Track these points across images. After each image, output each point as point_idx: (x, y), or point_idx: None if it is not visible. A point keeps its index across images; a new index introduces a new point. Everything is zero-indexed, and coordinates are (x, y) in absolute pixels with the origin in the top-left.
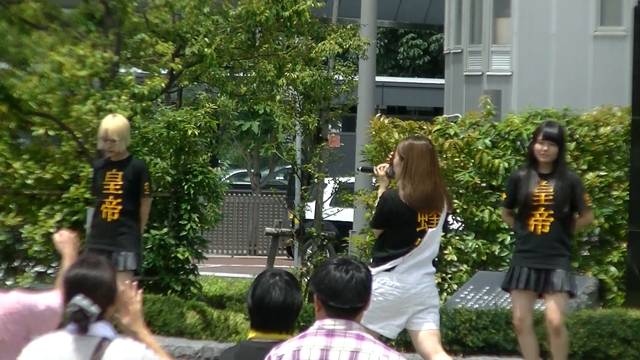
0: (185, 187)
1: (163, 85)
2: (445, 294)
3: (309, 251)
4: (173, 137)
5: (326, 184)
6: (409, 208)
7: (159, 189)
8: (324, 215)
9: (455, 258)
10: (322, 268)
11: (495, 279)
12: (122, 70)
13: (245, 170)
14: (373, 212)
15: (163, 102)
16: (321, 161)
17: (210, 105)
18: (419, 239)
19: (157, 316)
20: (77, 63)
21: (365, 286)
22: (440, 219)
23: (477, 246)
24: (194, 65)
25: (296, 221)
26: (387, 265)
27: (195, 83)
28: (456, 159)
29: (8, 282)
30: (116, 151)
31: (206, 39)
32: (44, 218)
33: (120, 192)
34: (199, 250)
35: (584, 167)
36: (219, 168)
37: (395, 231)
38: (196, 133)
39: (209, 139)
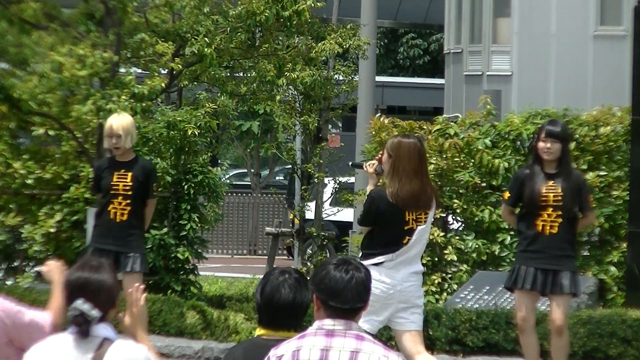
0: (185, 187)
1: (163, 85)
2: (445, 294)
3: (309, 251)
4: (173, 137)
5: (326, 184)
6: (396, 206)
7: (159, 189)
8: (324, 215)
9: (455, 258)
10: (322, 268)
11: (495, 279)
12: (122, 70)
13: (245, 170)
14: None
15: (163, 102)
16: (321, 161)
17: (210, 105)
18: (407, 238)
19: (157, 316)
20: (77, 63)
21: (365, 286)
22: (429, 217)
23: (477, 246)
24: (194, 65)
25: (296, 221)
26: (376, 260)
27: (195, 83)
28: (456, 159)
29: (8, 282)
30: (122, 148)
31: (206, 39)
32: (44, 218)
33: (129, 192)
34: (199, 250)
35: (584, 167)
36: (219, 168)
37: (383, 229)
38: (196, 133)
39: (209, 139)
